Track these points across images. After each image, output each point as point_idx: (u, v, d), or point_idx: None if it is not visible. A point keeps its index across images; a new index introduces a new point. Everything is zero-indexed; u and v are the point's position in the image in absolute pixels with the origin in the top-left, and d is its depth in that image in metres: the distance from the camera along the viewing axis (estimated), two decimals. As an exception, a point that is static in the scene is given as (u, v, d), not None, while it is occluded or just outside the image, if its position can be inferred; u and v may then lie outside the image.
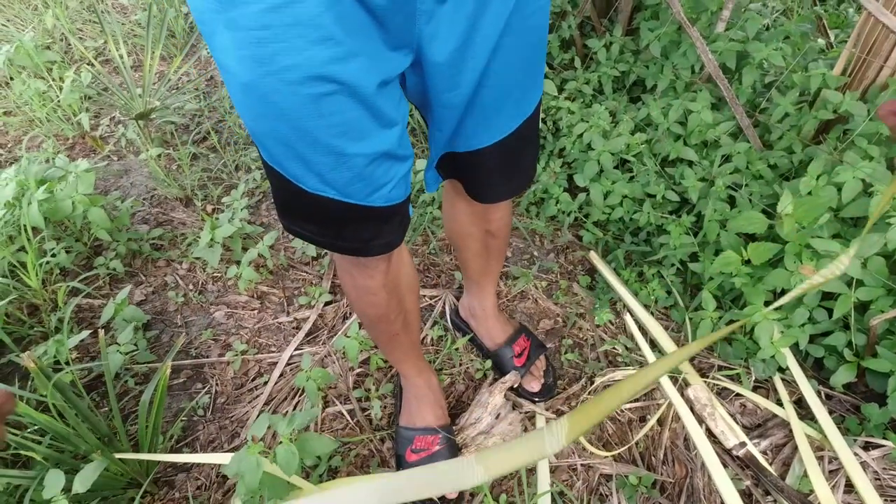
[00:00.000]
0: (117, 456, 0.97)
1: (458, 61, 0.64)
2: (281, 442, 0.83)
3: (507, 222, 1.02)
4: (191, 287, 1.47)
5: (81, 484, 0.87)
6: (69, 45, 2.31)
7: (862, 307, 1.09)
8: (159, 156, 1.75)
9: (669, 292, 1.34)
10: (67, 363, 1.08)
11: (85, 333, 1.09)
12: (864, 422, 1.10)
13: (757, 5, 1.70)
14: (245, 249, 1.47)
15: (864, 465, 1.05)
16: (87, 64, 2.11)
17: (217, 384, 1.26)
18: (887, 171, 1.12)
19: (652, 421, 1.14)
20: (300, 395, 1.21)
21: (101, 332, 0.97)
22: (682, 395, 1.16)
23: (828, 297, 1.12)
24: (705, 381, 1.18)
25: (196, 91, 2.07)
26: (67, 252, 1.43)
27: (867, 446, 1.07)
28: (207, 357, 1.31)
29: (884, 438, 1.07)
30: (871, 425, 1.08)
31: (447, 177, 0.87)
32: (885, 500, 1.00)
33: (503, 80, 0.68)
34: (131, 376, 1.23)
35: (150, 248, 1.53)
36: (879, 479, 1.04)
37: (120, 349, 1.14)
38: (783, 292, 1.18)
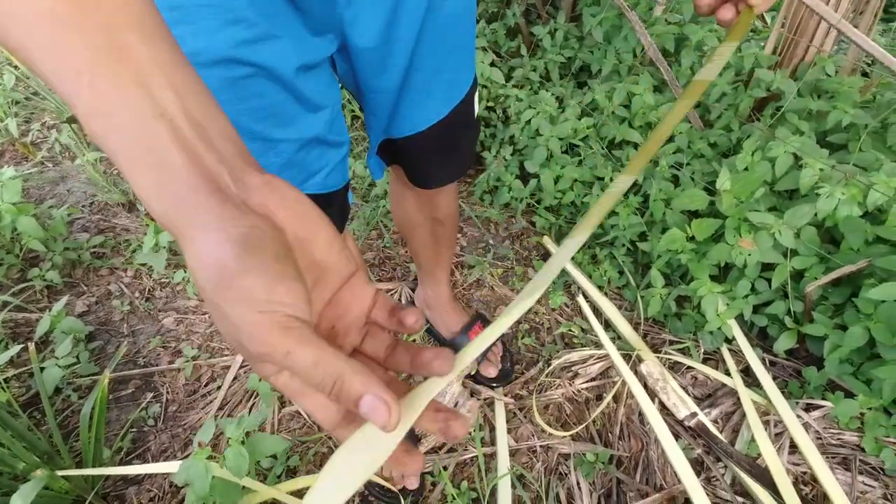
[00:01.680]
0: (59, 473, 0.92)
1: (385, 45, 0.62)
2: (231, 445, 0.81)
3: (453, 209, 1.02)
4: (137, 294, 1.42)
5: (20, 503, 0.83)
6: (-6, 47, 2.17)
7: (798, 276, 1.14)
8: (97, 160, 1.68)
9: (621, 272, 1.37)
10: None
11: (16, 348, 1.04)
12: (804, 384, 1.15)
13: (693, -11, 1.74)
14: (193, 252, 1.42)
15: (806, 425, 1.10)
16: (13, 66, 1.99)
17: (168, 392, 1.22)
18: (816, 145, 1.16)
19: (607, 398, 1.16)
20: (255, 398, 1.19)
21: (32, 347, 0.92)
22: (636, 371, 1.19)
23: (768, 267, 1.17)
24: (657, 357, 1.21)
25: (135, 91, 1.99)
26: (-1, 265, 1.35)
27: (808, 408, 1.12)
28: (157, 365, 1.27)
29: (823, 399, 1.12)
30: (812, 387, 1.13)
31: (389, 163, 0.86)
32: (826, 458, 1.05)
33: (433, 62, 0.68)
34: (74, 390, 1.18)
35: (90, 257, 1.46)
36: (821, 438, 1.09)
37: (59, 363, 1.08)
38: (726, 266, 1.22)
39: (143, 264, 1.46)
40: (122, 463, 1.10)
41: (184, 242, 0.26)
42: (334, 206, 0.72)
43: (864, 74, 1.60)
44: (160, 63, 0.26)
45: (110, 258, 1.49)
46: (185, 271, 1.38)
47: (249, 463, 0.81)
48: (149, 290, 1.43)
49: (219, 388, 1.21)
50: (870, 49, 1.01)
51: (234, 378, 1.23)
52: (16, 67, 1.99)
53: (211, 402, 1.19)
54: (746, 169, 1.17)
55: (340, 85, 0.70)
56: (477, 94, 0.82)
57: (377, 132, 0.77)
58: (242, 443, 0.84)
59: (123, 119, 0.25)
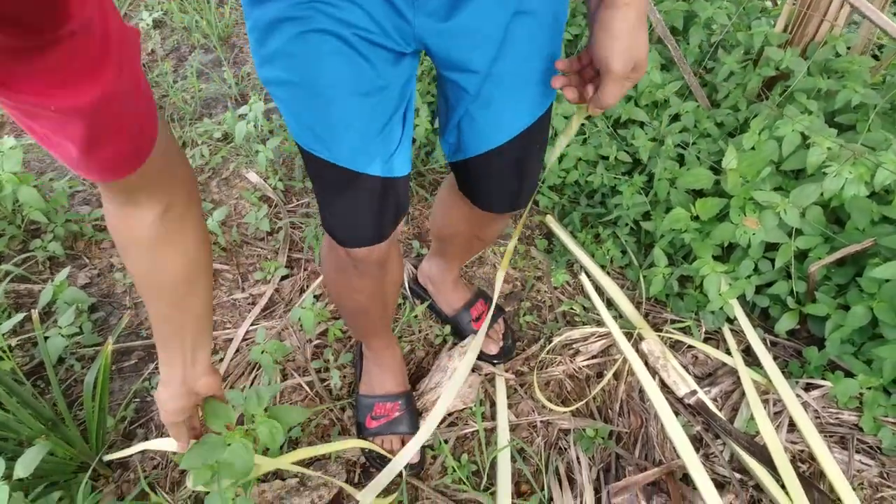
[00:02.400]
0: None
1: (463, 49, 0.64)
2: (249, 420, 0.81)
3: (497, 234, 1.01)
4: (139, 268, 1.41)
5: (23, 469, 0.84)
6: (-7, 18, 2.14)
7: (802, 256, 1.13)
8: (98, 133, 1.66)
9: (624, 252, 1.37)
10: (4, 350, 1.03)
11: (19, 317, 1.04)
12: (805, 365, 1.15)
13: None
14: (195, 227, 1.42)
15: (805, 405, 1.10)
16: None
17: (170, 364, 1.22)
18: (825, 125, 1.15)
19: (608, 375, 1.16)
20: (257, 370, 1.19)
21: (36, 315, 0.92)
22: (637, 349, 1.19)
23: (771, 248, 1.17)
24: (659, 335, 1.22)
25: (136, 65, 1.96)
26: (0, 236, 1.35)
27: (808, 387, 1.13)
28: (159, 338, 1.27)
29: (822, 379, 1.12)
30: (812, 367, 1.13)
31: (460, 185, 0.85)
32: (824, 436, 1.06)
33: (514, 68, 0.67)
34: (77, 360, 1.18)
35: (92, 230, 1.46)
36: (819, 417, 1.10)
37: (62, 332, 1.09)
38: (730, 246, 1.22)
39: (145, 238, 1.45)
40: (124, 432, 1.11)
41: (166, 378, 0.69)
42: (395, 193, 0.72)
43: (875, 58, 1.57)
44: (195, 343, 0.68)
45: (112, 231, 1.49)
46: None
47: (282, 433, 0.80)
48: (151, 263, 1.43)
49: (221, 360, 1.22)
50: (883, 24, 0.99)
51: (237, 350, 1.23)
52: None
53: (213, 374, 1.20)
54: (753, 148, 1.16)
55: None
56: None
57: (455, 116, 0.74)
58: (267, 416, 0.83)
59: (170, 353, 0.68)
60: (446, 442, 1.08)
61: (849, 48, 1.29)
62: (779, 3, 1.65)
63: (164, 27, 2.20)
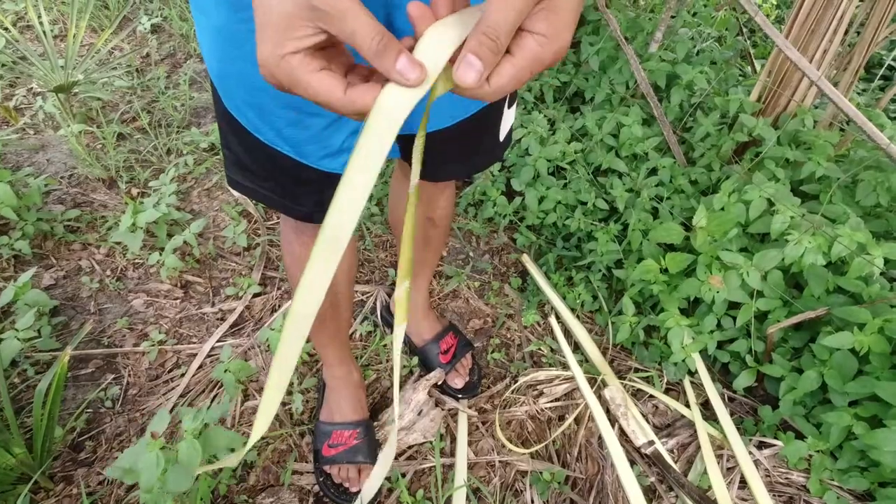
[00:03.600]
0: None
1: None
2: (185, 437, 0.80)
3: (448, 211, 1.03)
4: (108, 273, 1.39)
5: (-40, 478, 0.81)
6: (-14, 6, 2.13)
7: (762, 316, 1.17)
8: (81, 133, 1.65)
9: (595, 297, 1.40)
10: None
11: (-24, 316, 1.01)
12: (759, 423, 1.18)
13: (687, 30, 1.80)
14: (171, 236, 1.41)
15: (757, 462, 1.13)
16: (3, 29, 1.95)
17: (130, 375, 1.20)
18: (790, 193, 1.21)
19: (569, 420, 1.18)
20: (219, 388, 1.17)
21: (-6, 315, 0.90)
22: (599, 395, 1.21)
23: (734, 306, 1.21)
24: (622, 383, 1.24)
25: (128, 67, 1.96)
26: (-34, 229, 1.32)
27: (761, 445, 1.16)
28: (121, 346, 1.24)
29: (775, 438, 1.15)
30: (765, 426, 1.16)
31: (404, 155, 0.86)
32: (773, 495, 1.09)
33: None
34: (31, 364, 1.15)
35: (63, 230, 1.44)
36: (770, 476, 1.12)
37: (18, 335, 1.06)
38: (696, 300, 1.26)
39: (118, 243, 1.43)
40: (73, 444, 1.07)
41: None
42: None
43: (843, 129, 1.67)
44: None
45: (84, 233, 1.46)
46: (160, 254, 1.36)
47: (203, 456, 0.81)
48: (121, 269, 1.40)
49: (182, 375, 1.20)
50: (845, 108, 1.06)
51: (200, 367, 1.21)
52: (6, 30, 1.95)
53: (173, 388, 1.17)
54: (723, 209, 1.21)
55: None
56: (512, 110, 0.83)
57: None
58: (199, 435, 0.83)
59: None
60: (404, 476, 1.07)
61: (816, 122, 1.36)
62: (758, 70, 1.74)
63: (161, 32, 2.21)
